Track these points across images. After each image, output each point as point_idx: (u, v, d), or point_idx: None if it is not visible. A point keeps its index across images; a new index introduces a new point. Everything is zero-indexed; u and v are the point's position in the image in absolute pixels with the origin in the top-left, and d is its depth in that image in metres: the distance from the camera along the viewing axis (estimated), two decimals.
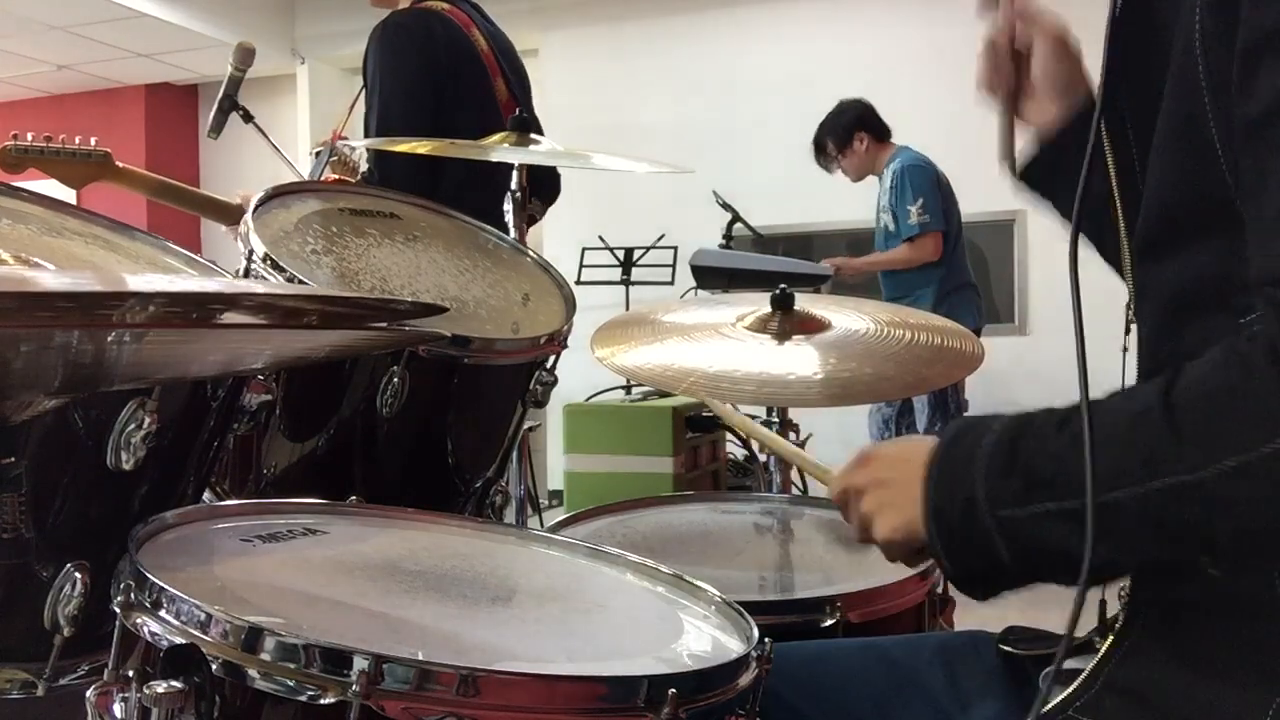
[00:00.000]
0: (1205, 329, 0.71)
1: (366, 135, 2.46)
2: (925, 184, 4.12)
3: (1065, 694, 0.78)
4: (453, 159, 2.26)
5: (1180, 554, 0.70)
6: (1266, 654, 0.71)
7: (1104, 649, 0.78)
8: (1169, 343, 0.75)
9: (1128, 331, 0.83)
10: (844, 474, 0.91)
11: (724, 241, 5.03)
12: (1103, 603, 0.86)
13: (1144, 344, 0.79)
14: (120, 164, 2.44)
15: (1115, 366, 0.81)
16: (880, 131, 4.33)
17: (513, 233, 1.93)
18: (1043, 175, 0.97)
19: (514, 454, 1.60)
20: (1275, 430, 0.62)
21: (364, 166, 2.55)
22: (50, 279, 0.81)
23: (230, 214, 2.52)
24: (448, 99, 2.45)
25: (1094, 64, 0.83)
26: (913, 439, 0.87)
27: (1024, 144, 0.99)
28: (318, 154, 2.69)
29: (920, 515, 0.78)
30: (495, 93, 2.57)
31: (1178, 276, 0.74)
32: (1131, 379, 0.79)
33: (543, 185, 2.58)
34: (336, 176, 2.66)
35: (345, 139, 2.70)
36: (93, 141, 2.40)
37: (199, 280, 1.07)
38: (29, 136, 2.34)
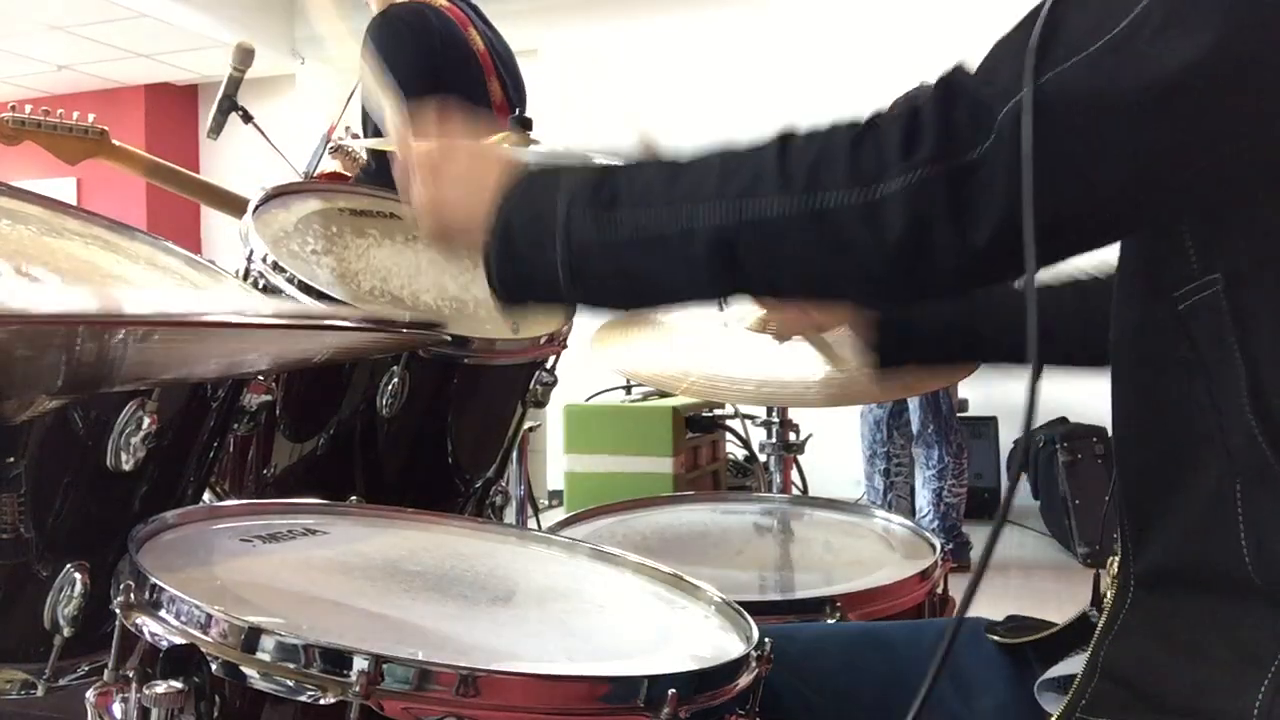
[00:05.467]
0: (1154, 293, 0.72)
1: (366, 128, 2.45)
2: None
3: (1066, 700, 0.78)
4: None
5: (731, 284, 0.77)
6: (1243, 634, 0.69)
7: (1098, 630, 0.77)
8: (1129, 310, 0.75)
9: None
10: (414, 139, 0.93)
11: None
12: (1096, 576, 0.86)
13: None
14: (116, 142, 2.43)
15: None
16: None
17: None
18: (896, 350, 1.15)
19: (514, 454, 1.60)
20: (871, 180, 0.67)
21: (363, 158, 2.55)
22: (44, 302, 0.81)
23: (227, 200, 2.51)
24: (443, 93, 2.45)
25: None
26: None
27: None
28: (316, 151, 2.69)
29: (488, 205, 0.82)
30: (490, 93, 2.56)
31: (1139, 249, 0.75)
32: None
33: None
34: (331, 171, 2.66)
35: (343, 136, 2.70)
36: (90, 119, 2.39)
37: (192, 298, 1.06)
38: (27, 109, 2.33)
